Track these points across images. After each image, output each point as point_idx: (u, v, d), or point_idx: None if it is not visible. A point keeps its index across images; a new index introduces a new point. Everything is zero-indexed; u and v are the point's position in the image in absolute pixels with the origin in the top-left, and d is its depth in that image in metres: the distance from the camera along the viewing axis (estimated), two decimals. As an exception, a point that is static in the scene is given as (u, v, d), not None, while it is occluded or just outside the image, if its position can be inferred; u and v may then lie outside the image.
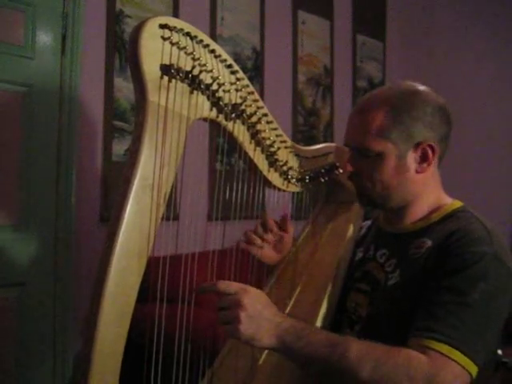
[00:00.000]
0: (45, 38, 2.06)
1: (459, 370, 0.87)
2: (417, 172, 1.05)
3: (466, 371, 0.87)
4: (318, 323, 1.07)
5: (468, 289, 0.91)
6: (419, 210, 1.09)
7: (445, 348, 0.87)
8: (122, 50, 2.29)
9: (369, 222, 1.29)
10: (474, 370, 0.88)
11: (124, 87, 2.29)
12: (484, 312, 0.91)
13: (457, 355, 0.87)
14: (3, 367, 1.97)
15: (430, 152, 1.04)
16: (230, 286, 0.88)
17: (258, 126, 1.06)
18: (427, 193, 1.08)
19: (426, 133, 1.03)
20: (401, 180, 1.05)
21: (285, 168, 1.16)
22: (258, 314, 0.86)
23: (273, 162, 1.13)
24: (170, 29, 0.85)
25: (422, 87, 1.07)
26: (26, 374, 2.02)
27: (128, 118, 2.31)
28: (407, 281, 1.02)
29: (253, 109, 1.03)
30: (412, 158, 1.04)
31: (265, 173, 1.13)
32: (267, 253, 1.24)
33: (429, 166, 1.05)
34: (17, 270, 2.00)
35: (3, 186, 1.97)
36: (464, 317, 0.90)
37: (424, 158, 1.05)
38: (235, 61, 0.99)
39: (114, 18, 2.28)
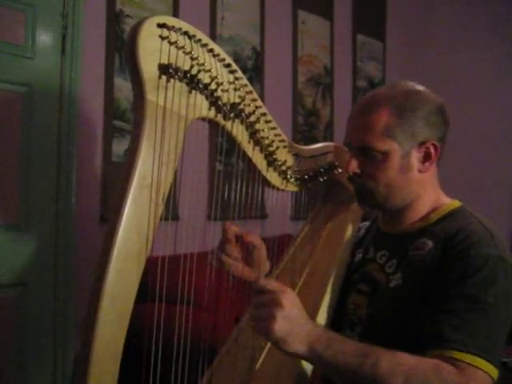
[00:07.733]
0: (45, 38, 2.06)
1: (486, 378, 0.87)
2: (419, 171, 1.05)
3: (490, 377, 0.88)
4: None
5: (481, 294, 0.91)
6: (419, 211, 1.08)
7: (469, 358, 0.87)
8: (122, 50, 2.29)
9: (367, 223, 1.28)
10: (495, 374, 0.89)
11: (124, 87, 2.29)
12: (498, 315, 0.92)
13: (481, 363, 0.87)
14: (3, 367, 1.97)
15: (432, 151, 1.04)
16: (270, 283, 0.87)
17: (257, 126, 1.05)
18: (427, 193, 1.08)
19: (429, 132, 1.04)
20: (404, 179, 1.05)
21: (283, 167, 1.15)
22: (294, 317, 0.85)
23: (271, 161, 1.12)
24: (168, 28, 0.84)
25: (421, 87, 1.07)
26: (26, 373, 2.02)
27: (128, 118, 2.31)
28: (409, 283, 1.01)
29: (251, 108, 1.02)
30: (415, 158, 1.04)
31: (263, 172, 1.12)
32: (235, 267, 1.10)
33: (431, 166, 1.06)
34: (17, 270, 2.00)
35: (3, 186, 1.97)
36: (481, 323, 0.90)
37: (427, 158, 1.05)
38: (235, 61, 0.98)
39: (114, 18, 2.28)
